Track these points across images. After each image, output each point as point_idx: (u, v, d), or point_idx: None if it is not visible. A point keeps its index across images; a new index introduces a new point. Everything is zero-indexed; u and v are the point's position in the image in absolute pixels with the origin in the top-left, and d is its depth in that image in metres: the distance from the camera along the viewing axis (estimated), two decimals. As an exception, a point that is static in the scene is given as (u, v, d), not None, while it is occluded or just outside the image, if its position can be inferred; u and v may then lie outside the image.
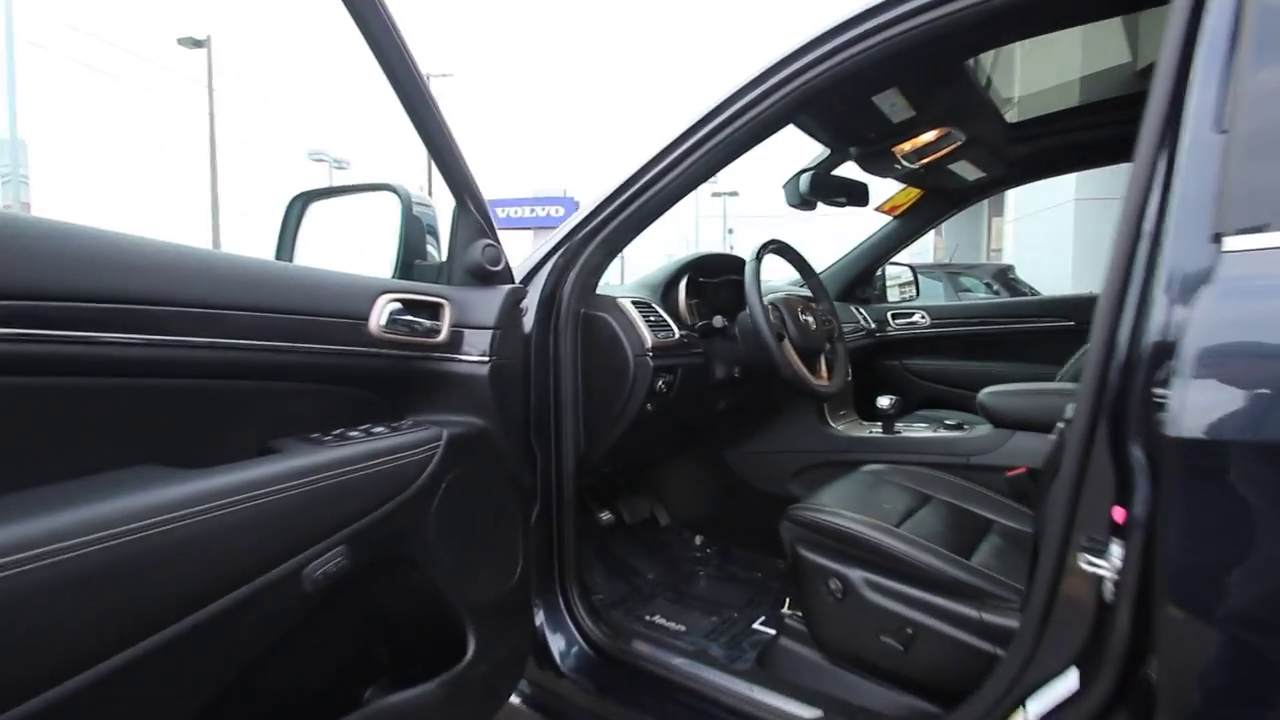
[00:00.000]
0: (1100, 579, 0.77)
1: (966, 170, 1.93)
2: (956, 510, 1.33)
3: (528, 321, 1.19)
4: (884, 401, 1.68)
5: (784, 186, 1.84)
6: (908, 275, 2.69)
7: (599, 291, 1.37)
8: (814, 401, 1.79)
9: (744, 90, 1.11)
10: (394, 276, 1.10)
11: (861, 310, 2.37)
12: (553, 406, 1.23)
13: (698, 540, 1.90)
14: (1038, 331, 2.26)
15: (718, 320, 1.54)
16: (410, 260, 1.12)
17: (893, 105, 1.35)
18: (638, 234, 1.30)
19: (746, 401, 1.74)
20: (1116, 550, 0.73)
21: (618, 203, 1.23)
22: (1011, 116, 1.87)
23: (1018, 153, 1.94)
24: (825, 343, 1.61)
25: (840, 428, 1.80)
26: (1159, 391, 0.67)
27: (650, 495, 1.93)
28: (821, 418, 1.80)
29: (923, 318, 2.47)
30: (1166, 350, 0.65)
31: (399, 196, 1.12)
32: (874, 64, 0.99)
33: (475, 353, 1.01)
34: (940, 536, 1.16)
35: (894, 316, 2.50)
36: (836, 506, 1.23)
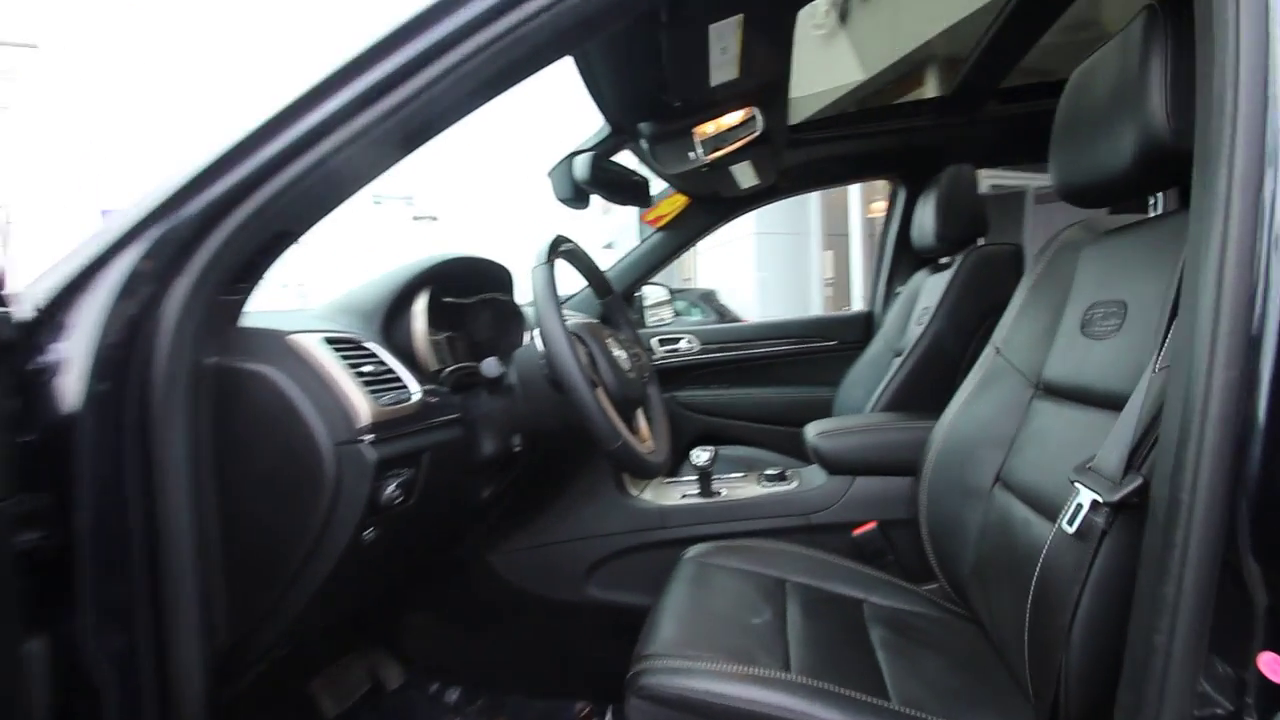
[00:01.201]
0: None
1: (745, 175, 1.69)
2: (821, 598, 1.01)
3: (67, 394, 0.55)
4: (702, 456, 1.27)
5: (550, 174, 1.35)
6: (664, 295, 2.41)
7: (250, 323, 0.69)
8: (608, 464, 1.30)
9: None
10: None
11: None
12: (142, 573, 0.54)
13: (452, 697, 1.25)
14: (805, 352, 2.15)
15: (490, 365, 0.96)
16: None
17: (724, 50, 0.96)
18: (330, 209, 0.67)
19: (524, 479, 1.18)
20: None
21: (281, 145, 0.60)
22: (791, 118, 1.70)
23: (791, 159, 1.78)
24: (641, 389, 1.14)
25: (646, 495, 1.34)
26: None
27: (369, 649, 1.22)
28: (620, 485, 1.33)
29: (690, 343, 2.20)
30: None
31: None
32: None
33: None
34: (837, 661, 0.81)
35: (660, 342, 2.19)
36: (692, 648, 0.80)
